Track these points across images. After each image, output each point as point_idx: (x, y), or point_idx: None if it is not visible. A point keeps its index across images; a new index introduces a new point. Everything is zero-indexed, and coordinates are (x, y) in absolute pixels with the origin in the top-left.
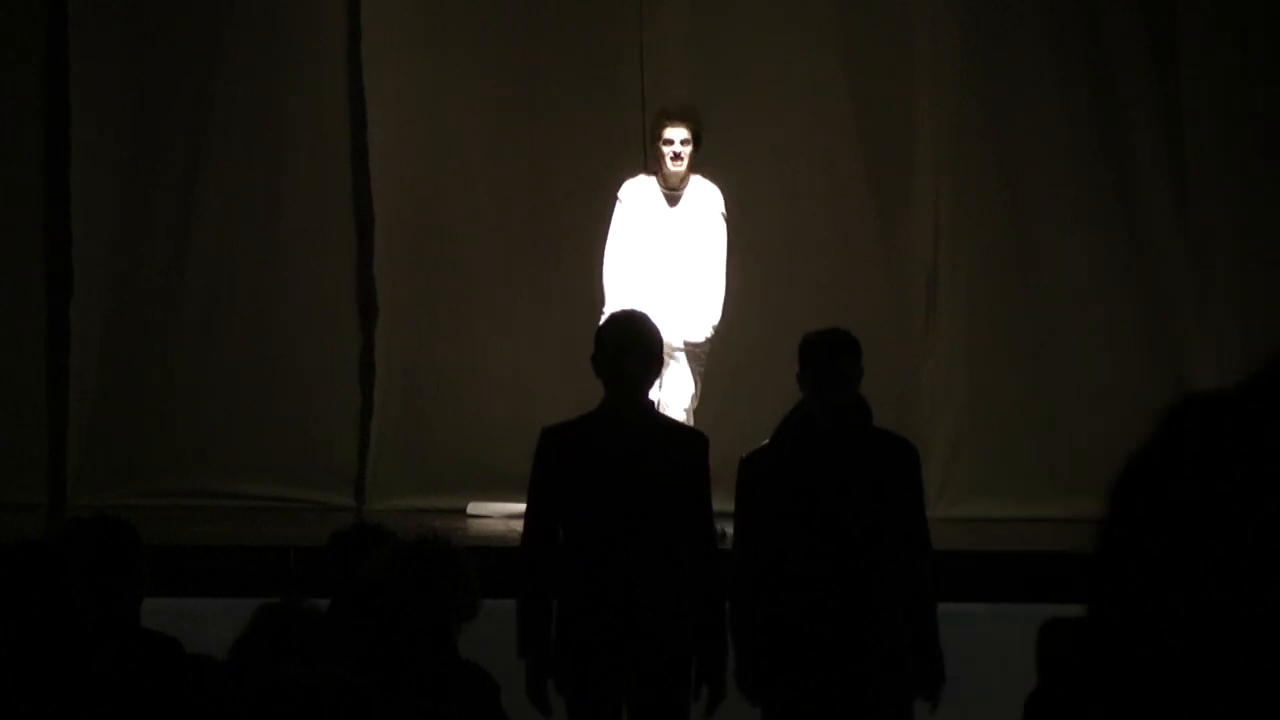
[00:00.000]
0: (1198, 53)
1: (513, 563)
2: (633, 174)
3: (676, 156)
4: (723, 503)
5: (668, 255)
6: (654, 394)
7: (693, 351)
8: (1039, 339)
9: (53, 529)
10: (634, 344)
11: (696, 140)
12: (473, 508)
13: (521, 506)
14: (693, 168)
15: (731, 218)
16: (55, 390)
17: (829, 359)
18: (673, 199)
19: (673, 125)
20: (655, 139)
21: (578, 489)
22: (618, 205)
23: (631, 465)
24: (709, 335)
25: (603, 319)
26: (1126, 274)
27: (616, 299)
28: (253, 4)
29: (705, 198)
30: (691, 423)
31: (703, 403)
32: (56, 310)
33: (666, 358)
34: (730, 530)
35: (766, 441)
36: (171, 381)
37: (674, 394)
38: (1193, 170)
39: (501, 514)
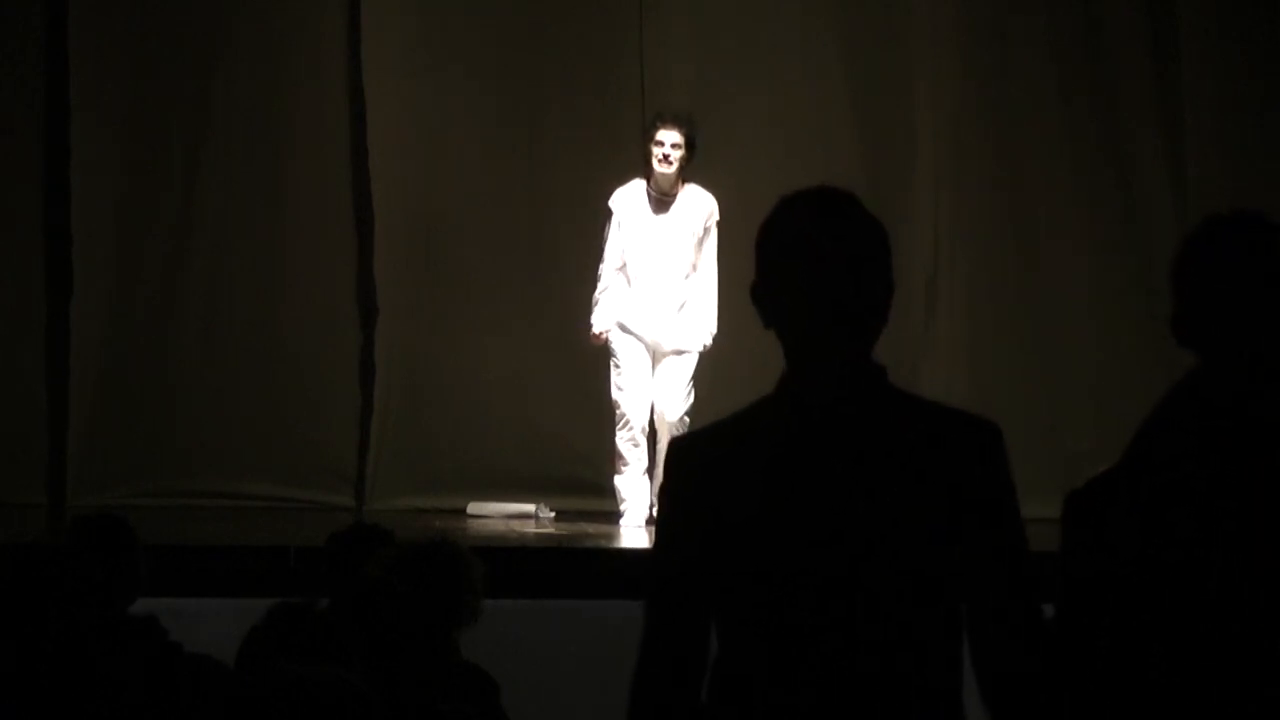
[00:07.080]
0: (1198, 53)
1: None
2: (631, 175)
3: (665, 159)
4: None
5: (657, 261)
6: (652, 399)
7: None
8: (1039, 339)
9: (53, 529)
10: (822, 256)
11: (689, 146)
12: (472, 508)
13: (521, 506)
14: (685, 175)
15: (731, 223)
16: (55, 390)
17: (1234, 277)
18: (662, 205)
19: (665, 128)
20: (648, 141)
21: (736, 527)
22: (610, 218)
23: (837, 479)
24: (707, 344)
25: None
26: (1127, 275)
27: (605, 310)
28: (253, 4)
29: (697, 206)
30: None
31: (699, 412)
32: (56, 310)
33: (665, 360)
34: None
35: (1117, 463)
36: (172, 381)
37: (672, 400)
38: (1193, 170)
39: (501, 514)
